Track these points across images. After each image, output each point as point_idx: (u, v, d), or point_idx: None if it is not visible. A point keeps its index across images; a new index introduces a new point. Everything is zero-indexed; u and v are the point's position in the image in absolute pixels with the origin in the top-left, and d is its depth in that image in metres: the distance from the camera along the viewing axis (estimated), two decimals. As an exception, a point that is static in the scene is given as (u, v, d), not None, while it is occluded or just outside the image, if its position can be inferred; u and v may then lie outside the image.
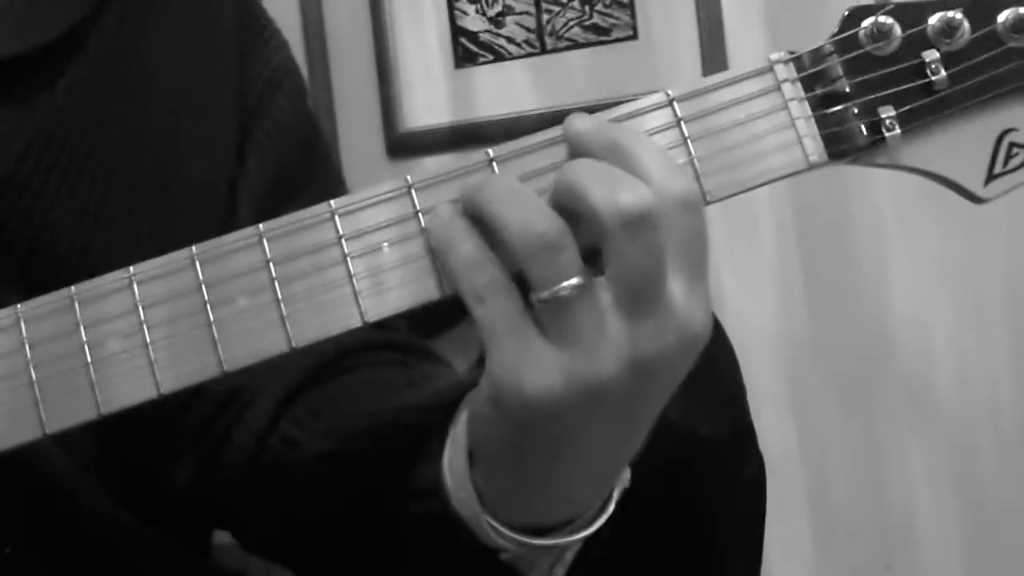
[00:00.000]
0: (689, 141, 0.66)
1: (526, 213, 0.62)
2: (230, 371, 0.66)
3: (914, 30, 0.67)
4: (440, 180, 0.66)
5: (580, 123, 0.65)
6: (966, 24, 0.66)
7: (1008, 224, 1.76)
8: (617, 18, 1.86)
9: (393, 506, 0.75)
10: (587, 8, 1.86)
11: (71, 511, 0.84)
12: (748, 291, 1.83)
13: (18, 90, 0.83)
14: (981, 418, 1.80)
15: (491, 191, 0.64)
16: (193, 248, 0.66)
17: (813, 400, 1.83)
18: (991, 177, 0.67)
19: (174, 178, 0.89)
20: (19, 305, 0.67)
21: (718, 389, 0.86)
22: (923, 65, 0.66)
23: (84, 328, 0.66)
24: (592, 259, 0.62)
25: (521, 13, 1.87)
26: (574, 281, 0.61)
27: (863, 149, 0.67)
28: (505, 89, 1.86)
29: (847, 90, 0.67)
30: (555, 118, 0.67)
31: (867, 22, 0.67)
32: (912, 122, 0.66)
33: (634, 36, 1.86)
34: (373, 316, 0.66)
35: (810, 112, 0.67)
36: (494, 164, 0.66)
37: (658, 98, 0.67)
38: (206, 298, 0.66)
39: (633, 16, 1.85)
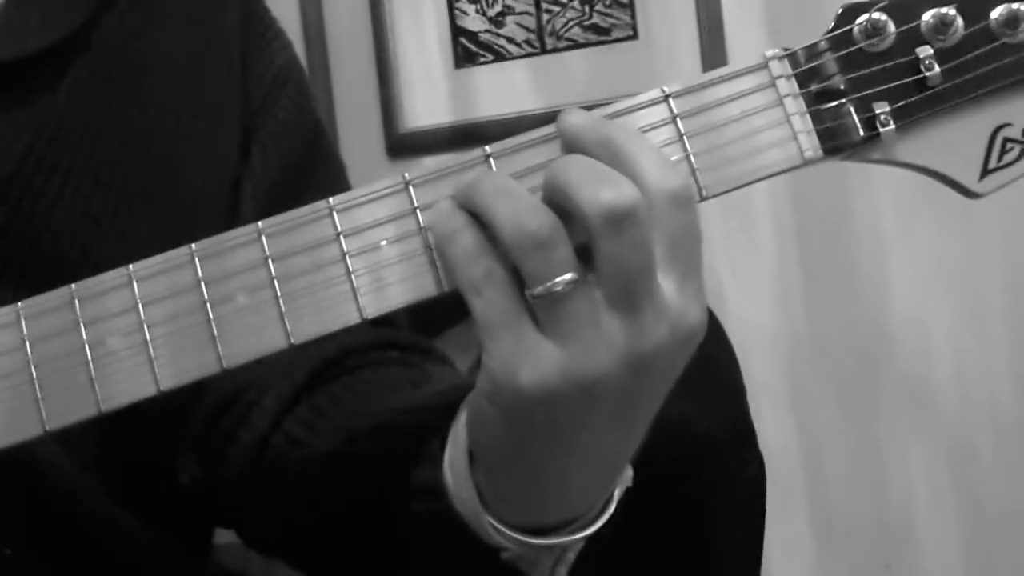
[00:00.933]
0: (685, 137, 0.66)
1: (518, 210, 0.62)
2: (229, 368, 0.66)
3: (908, 26, 0.67)
4: (437, 176, 0.66)
5: (574, 118, 0.65)
6: (960, 20, 0.66)
7: (1007, 223, 1.76)
8: (617, 18, 1.86)
9: (395, 505, 0.75)
10: (587, 8, 1.86)
11: (71, 512, 0.84)
12: (748, 291, 1.83)
13: (20, 92, 0.83)
14: (981, 418, 1.80)
15: (484, 187, 0.64)
16: (193, 245, 0.67)
17: (813, 400, 1.83)
18: (985, 172, 0.67)
19: (176, 178, 0.89)
20: (19, 303, 0.67)
21: (718, 389, 0.86)
22: (917, 61, 0.66)
23: (84, 325, 0.66)
24: (589, 253, 0.63)
25: (521, 13, 1.87)
26: (567, 277, 0.61)
27: (858, 145, 0.67)
28: (505, 89, 1.87)
29: (842, 86, 0.67)
30: (555, 118, 0.67)
31: (861, 19, 0.67)
32: (906, 118, 0.66)
33: (634, 36, 1.86)
34: (372, 312, 0.66)
35: (805, 108, 0.67)
36: (491, 160, 0.66)
37: (654, 94, 0.67)
38: (205, 295, 0.66)
39: (633, 16, 1.86)
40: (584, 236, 0.62)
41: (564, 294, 0.62)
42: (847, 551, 1.84)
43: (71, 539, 0.84)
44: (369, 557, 0.81)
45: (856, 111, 0.67)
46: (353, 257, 0.66)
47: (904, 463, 1.82)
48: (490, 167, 0.66)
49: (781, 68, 0.67)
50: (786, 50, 0.68)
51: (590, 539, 0.71)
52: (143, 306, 0.66)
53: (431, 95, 1.90)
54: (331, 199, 0.67)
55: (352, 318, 0.66)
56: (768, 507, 0.93)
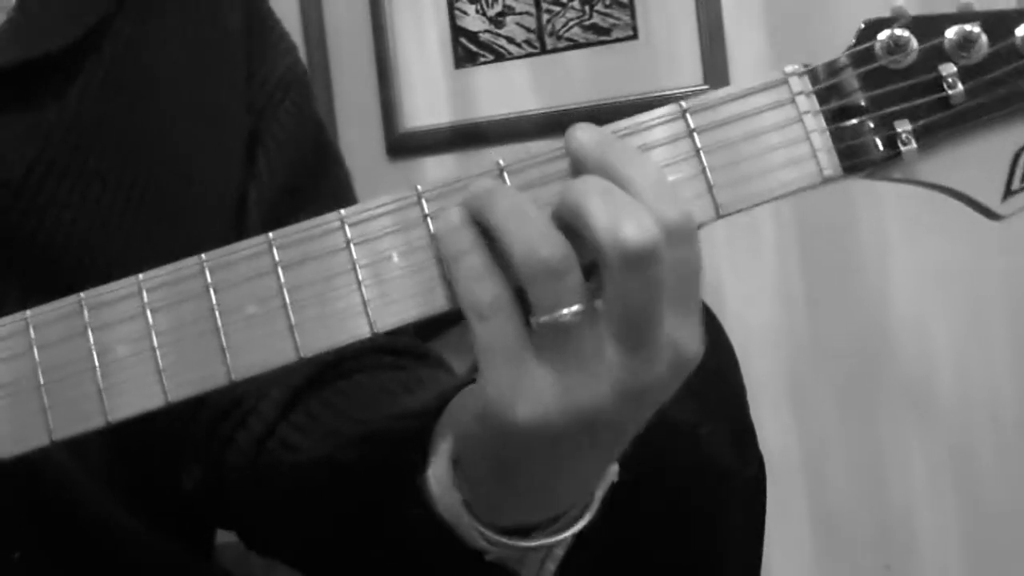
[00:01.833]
0: (702, 153, 0.65)
1: (531, 235, 0.61)
2: (237, 380, 0.65)
3: (931, 43, 0.65)
4: (450, 189, 0.65)
5: (580, 134, 0.64)
6: (984, 38, 0.65)
7: (1009, 227, 1.76)
8: (617, 18, 1.85)
9: (384, 509, 0.75)
10: (587, 8, 1.86)
11: (79, 516, 0.84)
12: (748, 291, 1.83)
13: (29, 96, 0.83)
14: (981, 419, 1.80)
15: (499, 204, 0.62)
16: (202, 255, 0.66)
17: (813, 401, 1.83)
18: (1009, 193, 0.66)
19: (183, 183, 0.89)
20: (28, 311, 0.67)
21: (718, 389, 0.86)
22: (940, 79, 0.65)
23: (92, 333, 0.66)
24: (593, 270, 0.62)
25: (521, 13, 1.87)
26: (575, 308, 0.61)
27: (878, 163, 0.66)
28: (505, 89, 1.86)
29: (862, 103, 0.66)
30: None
31: (883, 35, 0.65)
32: (928, 136, 0.65)
33: (634, 36, 1.85)
34: (382, 327, 0.65)
35: (824, 125, 0.66)
36: (505, 175, 0.65)
37: (671, 109, 0.66)
38: (215, 304, 0.65)
39: (633, 16, 1.85)
40: (592, 256, 0.61)
41: (570, 325, 0.61)
42: (847, 551, 1.84)
43: (79, 544, 0.84)
44: (363, 559, 0.81)
45: (877, 129, 0.65)
46: (363, 269, 0.65)
47: (904, 464, 1.82)
48: (504, 181, 0.65)
49: (801, 85, 0.66)
50: (806, 66, 0.66)
51: (590, 539, 0.71)
52: (152, 314, 0.66)
53: (431, 95, 1.90)
54: (343, 211, 0.66)
55: (362, 331, 0.65)
56: (768, 507, 0.93)
